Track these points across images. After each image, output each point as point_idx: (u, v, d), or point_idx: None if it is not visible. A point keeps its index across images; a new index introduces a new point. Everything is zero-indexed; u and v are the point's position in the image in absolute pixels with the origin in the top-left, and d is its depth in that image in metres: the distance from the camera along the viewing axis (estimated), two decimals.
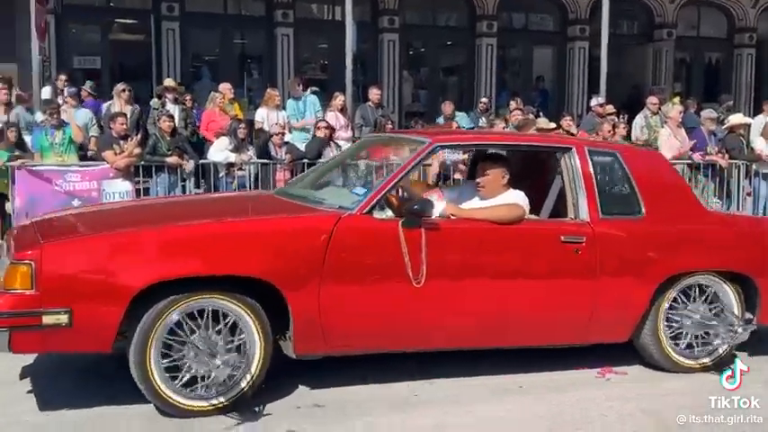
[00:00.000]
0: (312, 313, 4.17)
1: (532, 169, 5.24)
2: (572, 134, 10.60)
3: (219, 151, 9.16)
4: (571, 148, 4.91)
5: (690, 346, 4.97)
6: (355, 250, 4.26)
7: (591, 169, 4.81)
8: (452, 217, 4.54)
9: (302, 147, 9.67)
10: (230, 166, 9.02)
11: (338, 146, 9.73)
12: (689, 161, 10.36)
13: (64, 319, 3.78)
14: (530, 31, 18.07)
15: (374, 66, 16.31)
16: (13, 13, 13.91)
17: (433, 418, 4.23)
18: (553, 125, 10.87)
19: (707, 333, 4.93)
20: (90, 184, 8.45)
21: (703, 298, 4.96)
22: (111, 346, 3.95)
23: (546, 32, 18.19)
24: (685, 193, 5.37)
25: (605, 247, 4.67)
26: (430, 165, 8.93)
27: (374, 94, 11.41)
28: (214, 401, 4.08)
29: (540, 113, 12.32)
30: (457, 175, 9.60)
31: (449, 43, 18.08)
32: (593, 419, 4.20)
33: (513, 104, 11.84)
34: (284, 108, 10.83)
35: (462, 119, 11.83)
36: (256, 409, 4.17)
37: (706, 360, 5.00)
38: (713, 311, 4.95)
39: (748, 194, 10.57)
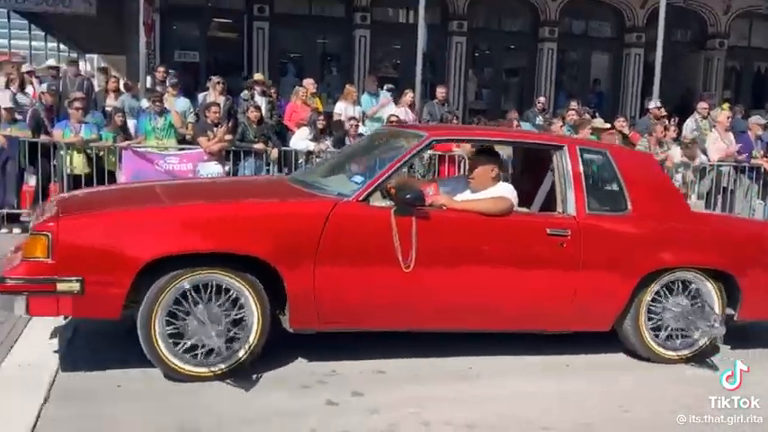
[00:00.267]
0: (306, 292, 4.15)
1: (537, 165, 5.16)
2: (625, 135, 10.48)
3: (300, 140, 9.33)
4: (563, 147, 4.82)
5: (670, 337, 4.85)
6: (349, 235, 4.22)
7: (580, 167, 4.72)
8: (443, 207, 4.48)
9: None
10: (309, 153, 9.17)
11: None
12: (735, 163, 10.14)
13: (76, 286, 3.83)
14: (589, 37, 17.75)
15: (442, 66, 16.29)
16: (123, 11, 14.38)
17: (488, 389, 4.31)
18: (608, 126, 10.73)
19: (688, 327, 4.81)
20: (186, 165, 8.71)
21: (685, 293, 4.81)
22: (119, 313, 3.98)
23: (604, 39, 17.83)
24: (672, 193, 5.24)
25: (589, 240, 4.58)
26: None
27: (440, 91, 11.43)
28: (214, 368, 4.08)
29: (596, 114, 12.16)
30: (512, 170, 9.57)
31: (512, 46, 17.91)
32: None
33: (573, 104, 11.72)
34: (360, 103, 10.95)
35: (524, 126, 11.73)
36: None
37: (686, 352, 4.89)
38: (694, 306, 4.80)
39: None
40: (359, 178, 4.55)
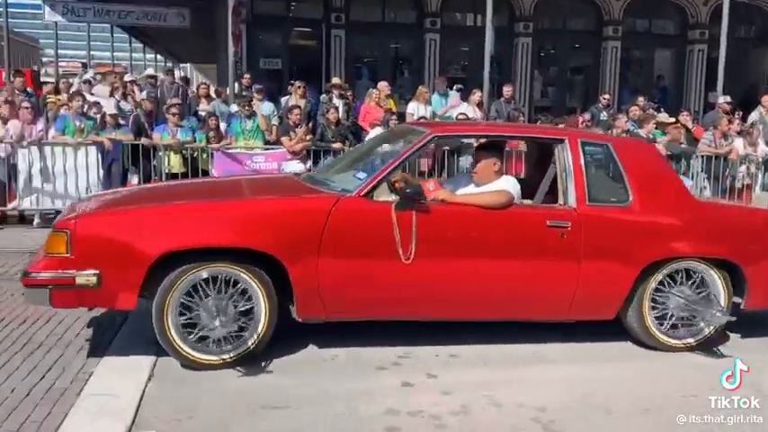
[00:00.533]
0: (311, 283, 4.10)
1: (545, 158, 4.97)
2: (689, 129, 10.11)
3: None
4: (564, 140, 4.64)
5: (675, 326, 4.63)
6: (351, 229, 4.15)
7: (581, 159, 4.54)
8: (443, 201, 4.37)
9: None
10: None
11: None
12: None
13: (93, 280, 3.85)
14: (652, 35, 17.18)
15: (508, 66, 16.07)
16: (214, 24, 14.71)
17: (555, 373, 4.26)
18: (672, 120, 10.38)
19: (692, 315, 4.57)
20: (271, 164, 8.86)
21: (690, 282, 4.59)
22: (135, 304, 3.99)
23: (667, 36, 17.24)
24: (675, 183, 4.92)
25: (590, 232, 4.40)
26: None
27: (507, 90, 11.29)
28: (224, 356, 4.05)
29: (660, 109, 11.78)
30: None
31: (576, 46, 17.54)
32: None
33: (640, 100, 11.40)
34: (431, 103, 10.91)
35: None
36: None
37: (690, 340, 4.65)
38: (699, 296, 4.58)
39: None
40: (362, 174, 4.46)
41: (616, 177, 4.68)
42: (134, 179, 8.78)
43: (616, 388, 4.04)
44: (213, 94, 11.56)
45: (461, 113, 9.94)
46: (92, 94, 10.47)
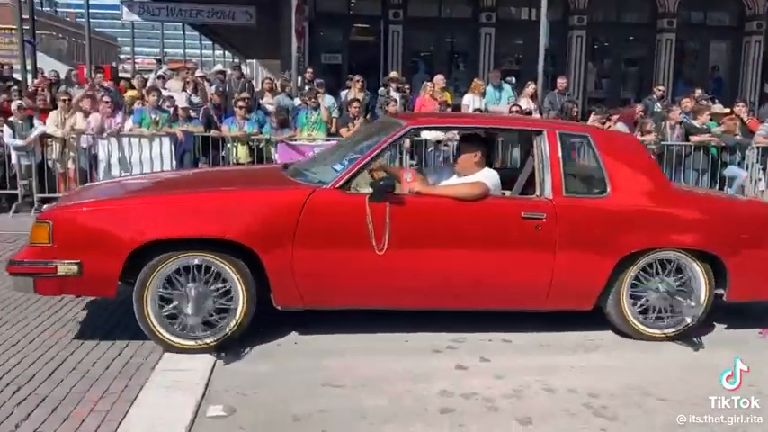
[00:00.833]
0: (286, 273, 4.04)
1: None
2: (743, 120, 9.71)
3: (430, 131, 9.29)
4: (542, 131, 4.47)
5: (655, 316, 4.45)
6: (325, 220, 4.06)
7: (558, 151, 4.37)
8: (418, 193, 4.25)
9: None
10: (438, 142, 9.12)
11: None
12: None
13: (74, 269, 3.85)
14: (707, 27, 16.55)
15: (562, 58, 15.74)
16: (278, 21, 14.85)
17: (607, 360, 4.18)
18: (727, 111, 10.00)
19: (671, 306, 4.38)
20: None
21: (669, 273, 4.40)
22: (115, 292, 3.98)
23: (723, 28, 16.59)
24: (655, 175, 4.66)
25: (566, 223, 4.24)
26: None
27: (561, 82, 11.07)
28: (202, 342, 3.99)
29: (715, 101, 11.35)
30: None
31: (631, 38, 17.02)
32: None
33: (698, 92, 11.03)
34: (485, 95, 10.78)
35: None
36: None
37: (671, 330, 4.46)
38: (678, 286, 4.39)
39: None
40: (339, 167, 4.35)
41: (594, 169, 4.51)
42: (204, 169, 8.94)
43: (669, 375, 3.93)
44: (278, 88, 11.67)
45: (516, 105, 9.79)
46: (165, 89, 10.72)
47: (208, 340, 4.01)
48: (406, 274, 4.18)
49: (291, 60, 11.30)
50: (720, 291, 4.52)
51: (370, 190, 4.17)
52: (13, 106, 8.80)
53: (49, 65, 17.10)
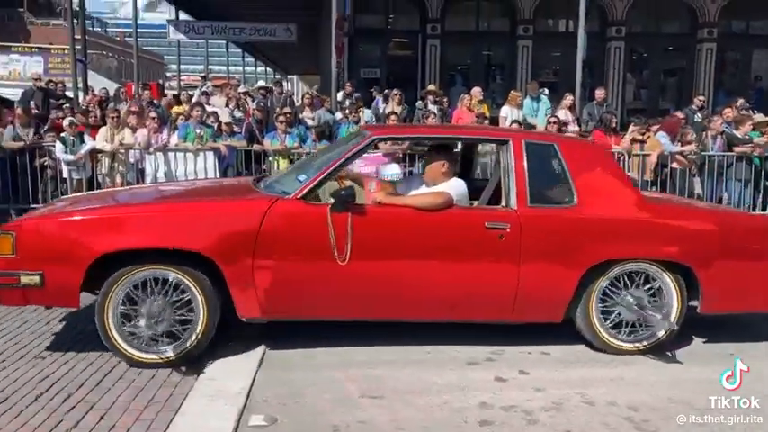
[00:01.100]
0: (247, 284, 3.97)
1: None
2: None
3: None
4: (507, 141, 4.36)
5: (625, 329, 4.30)
6: (287, 231, 3.99)
7: (524, 161, 4.25)
8: (381, 203, 4.19)
9: None
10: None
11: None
12: None
13: (36, 279, 3.84)
14: (750, 36, 16.18)
15: (600, 69, 15.59)
16: (318, 37, 15.01)
17: (647, 374, 4.07)
18: None
19: (641, 318, 4.24)
20: (370, 168, 8.88)
21: (636, 285, 4.26)
22: (78, 303, 3.96)
23: (765, 37, 16.18)
24: (624, 185, 4.48)
25: (530, 233, 4.12)
26: None
27: (599, 93, 10.95)
28: (163, 356, 3.94)
29: (754, 111, 11.06)
30: (674, 165, 8.94)
31: (670, 48, 16.76)
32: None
33: (740, 102, 10.78)
34: (522, 107, 10.71)
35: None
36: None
37: (644, 344, 4.31)
38: (649, 298, 4.25)
39: None
40: (303, 176, 4.27)
41: (561, 178, 4.35)
42: None
43: (713, 389, 3.81)
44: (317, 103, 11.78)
45: (554, 116, 9.70)
46: (210, 105, 10.91)
47: (169, 354, 3.95)
48: (368, 284, 4.10)
49: (331, 76, 11.40)
50: (695, 303, 4.37)
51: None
52: (65, 122, 9.05)
53: (100, 83, 17.60)
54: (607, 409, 3.56)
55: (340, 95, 11.60)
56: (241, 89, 12.86)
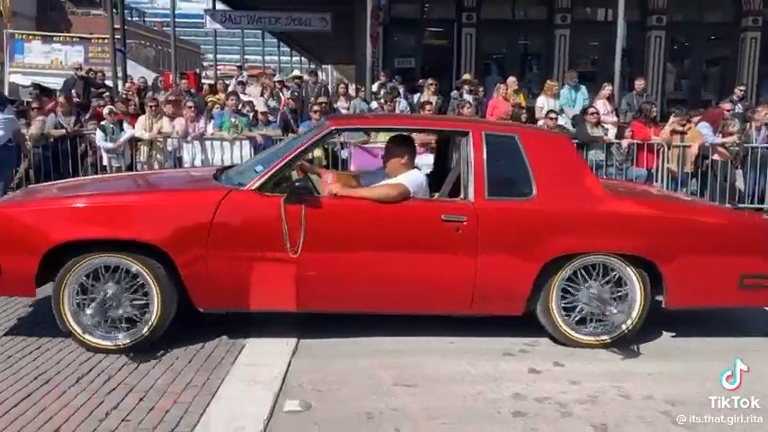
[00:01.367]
0: (199, 275, 3.96)
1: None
2: None
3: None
4: (468, 132, 4.30)
5: (586, 322, 4.24)
6: (240, 222, 3.98)
7: (483, 152, 4.19)
8: (336, 195, 4.14)
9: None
10: None
11: (605, 129, 9.34)
12: None
13: None
14: None
15: (640, 59, 15.27)
16: (353, 27, 15.01)
17: (683, 367, 4.00)
18: None
19: (600, 312, 4.16)
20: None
21: (596, 278, 4.17)
22: (34, 292, 3.99)
23: None
24: (585, 177, 4.37)
25: (487, 226, 4.06)
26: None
27: (639, 83, 10.76)
28: (118, 342, 3.97)
29: None
30: (715, 157, 8.75)
31: (712, 37, 16.34)
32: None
33: None
34: (559, 96, 10.56)
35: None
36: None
37: (605, 337, 4.22)
38: (608, 291, 4.17)
39: None
40: (260, 167, 4.23)
41: (521, 170, 4.25)
42: None
43: (757, 384, 3.73)
44: (352, 93, 11.80)
45: (592, 107, 9.56)
46: (246, 94, 11.01)
47: (125, 341, 3.98)
48: (321, 276, 4.06)
49: (366, 65, 11.39)
50: (661, 297, 4.28)
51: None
52: (105, 111, 9.24)
53: (138, 72, 17.85)
54: (643, 402, 3.52)
55: (375, 86, 11.59)
56: (276, 78, 12.94)
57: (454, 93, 11.12)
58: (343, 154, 8.99)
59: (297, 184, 4.04)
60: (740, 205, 8.63)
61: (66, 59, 17.62)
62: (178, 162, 9.02)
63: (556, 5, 15.29)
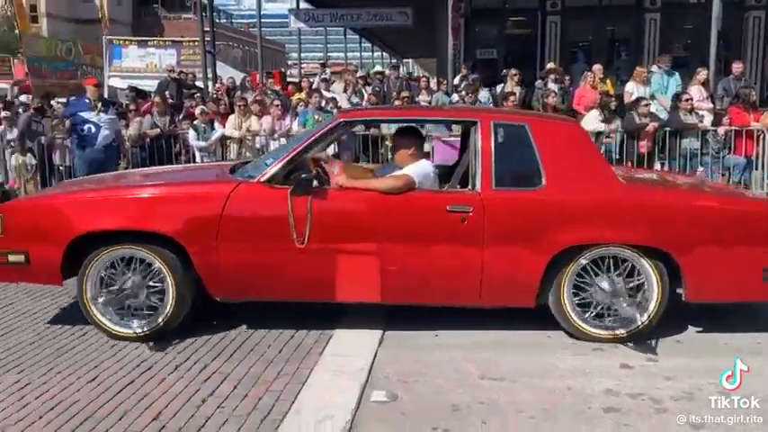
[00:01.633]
0: (212, 265, 4.08)
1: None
2: None
3: (591, 122, 8.93)
4: (476, 122, 4.23)
5: (600, 315, 4.09)
6: (249, 213, 4.07)
7: (491, 142, 4.10)
8: (342, 186, 4.13)
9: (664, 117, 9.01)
10: (598, 134, 8.74)
11: (700, 116, 8.90)
12: None
13: (21, 258, 4.11)
14: None
15: (737, 41, 14.47)
16: (434, 20, 14.95)
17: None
18: None
19: (612, 305, 4.01)
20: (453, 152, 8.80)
21: (609, 269, 4.02)
22: (61, 281, 4.20)
23: None
24: (598, 167, 4.20)
25: (493, 216, 3.98)
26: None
27: (736, 67, 10.13)
28: (138, 330, 4.12)
29: None
30: None
31: None
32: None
33: None
34: (649, 83, 10.15)
35: None
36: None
37: (621, 331, 4.04)
38: (629, 285, 4.01)
39: None
40: (270, 161, 4.29)
41: (530, 160, 4.12)
42: (365, 166, 9.22)
43: None
44: (433, 86, 11.77)
45: (685, 92, 9.13)
46: (330, 91, 11.17)
47: (142, 329, 4.14)
48: (327, 267, 4.09)
49: (447, 58, 11.33)
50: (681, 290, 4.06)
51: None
52: (197, 111, 9.60)
53: (227, 72, 18.43)
54: (743, 400, 3.34)
55: (457, 79, 11.51)
56: (359, 74, 13.05)
57: (539, 82, 10.89)
58: (426, 147, 8.97)
59: (303, 176, 4.08)
60: None
61: (161, 62, 18.42)
62: None
63: None
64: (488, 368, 3.75)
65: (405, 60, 33.90)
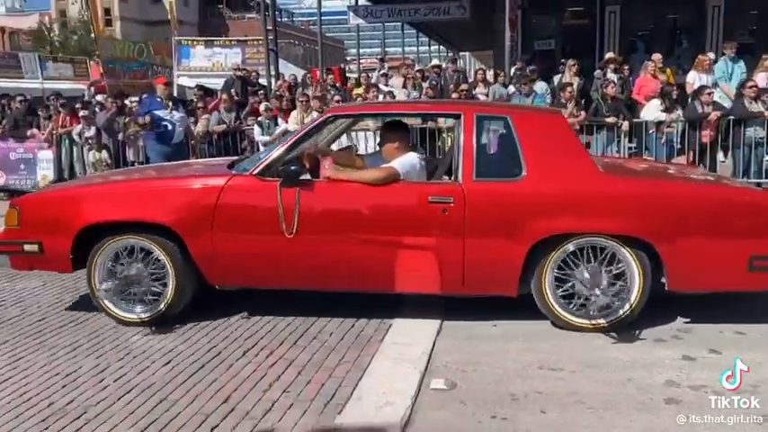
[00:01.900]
0: (207, 254, 4.22)
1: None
2: None
3: (651, 112, 8.67)
4: (460, 115, 4.27)
5: (584, 305, 4.03)
6: (241, 205, 4.20)
7: (473, 134, 4.14)
8: (329, 178, 4.18)
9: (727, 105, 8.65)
10: (659, 124, 8.48)
11: (766, 104, 8.51)
12: None
13: (35, 247, 4.34)
14: None
15: None
16: (491, 12, 14.76)
17: None
18: None
19: (590, 294, 3.96)
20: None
21: (588, 259, 3.99)
22: (71, 268, 4.40)
23: None
24: (579, 157, 4.17)
25: (474, 207, 4.00)
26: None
27: None
28: (142, 315, 4.32)
29: None
30: None
31: None
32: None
33: None
34: (712, 71, 9.77)
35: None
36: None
37: (601, 321, 4.00)
38: (601, 273, 3.97)
39: None
40: (263, 154, 4.36)
41: (511, 151, 4.14)
42: None
43: None
44: (490, 79, 11.63)
45: (751, 80, 8.75)
46: (388, 86, 11.19)
47: (145, 315, 4.33)
48: (315, 257, 4.19)
49: (504, 50, 11.18)
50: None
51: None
52: (262, 107, 9.77)
53: (289, 69, 18.66)
54: None
55: (512, 71, 11.34)
56: (416, 68, 13.02)
57: (597, 72, 10.62)
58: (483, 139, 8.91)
59: (291, 168, 4.15)
60: None
61: (226, 61, 18.78)
62: None
63: None
64: (547, 359, 3.71)
65: (461, 54, 33.61)
